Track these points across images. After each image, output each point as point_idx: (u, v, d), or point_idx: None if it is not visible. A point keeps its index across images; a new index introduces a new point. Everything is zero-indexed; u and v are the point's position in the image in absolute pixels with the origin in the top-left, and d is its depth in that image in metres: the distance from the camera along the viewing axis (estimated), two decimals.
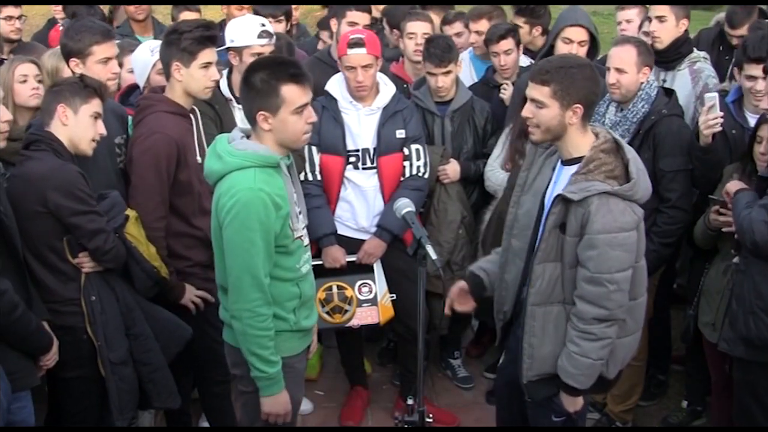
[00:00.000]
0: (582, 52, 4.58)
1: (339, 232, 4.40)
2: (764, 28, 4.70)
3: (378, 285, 4.41)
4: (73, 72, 3.94)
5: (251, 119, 3.11)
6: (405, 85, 4.92)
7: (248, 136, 3.16)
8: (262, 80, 3.04)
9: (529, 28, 5.31)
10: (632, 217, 3.01)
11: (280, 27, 5.44)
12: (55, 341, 3.38)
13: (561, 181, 3.14)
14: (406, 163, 4.38)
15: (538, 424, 3.34)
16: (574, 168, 3.08)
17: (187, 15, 5.61)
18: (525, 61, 5.10)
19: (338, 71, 4.39)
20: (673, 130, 4.15)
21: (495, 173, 4.57)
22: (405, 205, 3.32)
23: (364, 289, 4.39)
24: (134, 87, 4.41)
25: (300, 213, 3.24)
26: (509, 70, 4.93)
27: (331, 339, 4.98)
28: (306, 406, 4.61)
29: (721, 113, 3.99)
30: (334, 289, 4.35)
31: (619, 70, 4.14)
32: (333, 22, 5.26)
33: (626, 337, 3.16)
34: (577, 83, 3.03)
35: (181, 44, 3.72)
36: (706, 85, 4.64)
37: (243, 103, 3.15)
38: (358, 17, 5.00)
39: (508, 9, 5.59)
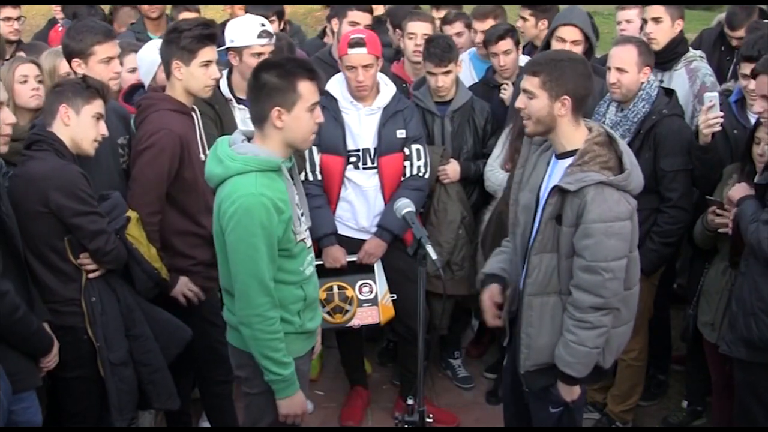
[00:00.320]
0: (576, 51, 4.57)
1: (339, 232, 4.40)
2: (762, 28, 4.71)
3: (378, 285, 4.41)
4: (75, 72, 3.94)
5: (262, 118, 3.06)
6: (404, 85, 4.92)
7: (249, 139, 3.14)
8: (279, 75, 3.01)
9: (535, 21, 5.31)
10: (627, 207, 3.07)
11: (273, 27, 5.43)
12: (56, 343, 3.38)
13: (556, 174, 3.19)
14: (407, 163, 4.38)
15: (537, 416, 3.38)
16: (568, 161, 3.14)
17: (186, 15, 5.60)
18: (525, 60, 5.10)
19: (339, 71, 4.39)
20: (673, 129, 4.15)
21: (495, 173, 4.58)
22: (405, 205, 3.32)
23: (365, 289, 4.39)
24: (136, 87, 4.41)
25: (302, 215, 3.23)
26: (509, 70, 4.93)
27: (331, 339, 4.97)
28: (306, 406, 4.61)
29: (721, 113, 4.00)
30: (335, 289, 4.35)
31: (619, 70, 4.15)
32: (334, 22, 5.26)
33: (621, 326, 3.22)
34: (566, 75, 3.10)
35: (181, 42, 3.72)
36: (703, 84, 4.66)
37: (254, 102, 3.10)
38: (360, 17, 5.00)
39: (508, 7, 5.59)
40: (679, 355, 5.01)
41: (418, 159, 4.38)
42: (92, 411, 3.67)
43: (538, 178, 3.28)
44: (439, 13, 5.76)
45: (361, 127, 4.33)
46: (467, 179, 4.71)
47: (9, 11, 5.78)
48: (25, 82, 4.04)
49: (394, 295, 4.43)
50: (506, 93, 4.88)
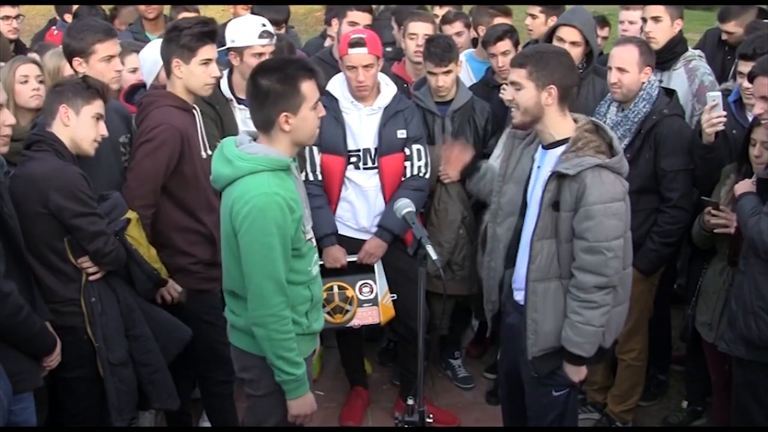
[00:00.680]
0: (575, 52, 4.57)
1: (340, 232, 4.39)
2: (761, 28, 4.72)
3: (379, 285, 4.41)
4: (76, 72, 3.94)
5: (269, 123, 3.04)
6: (405, 85, 4.91)
7: (254, 139, 3.13)
8: (281, 80, 3.00)
9: (545, 18, 5.29)
10: (622, 188, 3.24)
11: (281, 31, 5.44)
12: (58, 342, 3.38)
13: (546, 163, 3.31)
14: (407, 164, 4.38)
15: (537, 403, 3.47)
16: (558, 150, 3.27)
17: (186, 15, 5.60)
18: None
19: (340, 71, 4.38)
20: (674, 129, 4.16)
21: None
22: (405, 205, 3.32)
23: (365, 289, 4.39)
24: (137, 87, 4.40)
25: (308, 214, 3.24)
26: (507, 71, 4.91)
27: (331, 339, 4.97)
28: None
29: (724, 112, 4.01)
30: (335, 289, 4.35)
31: (620, 70, 4.15)
32: (334, 22, 5.25)
33: (618, 306, 3.35)
34: (550, 66, 3.24)
35: (181, 40, 3.71)
36: (701, 83, 4.66)
37: (257, 109, 3.06)
38: (359, 17, 5.00)
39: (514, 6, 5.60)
40: (679, 355, 5.01)
41: (419, 159, 4.38)
42: (92, 411, 3.67)
43: (524, 171, 3.42)
44: (442, 10, 5.75)
45: (362, 127, 4.33)
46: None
47: (8, 10, 5.78)
48: (26, 82, 4.03)
49: (395, 295, 4.43)
50: (506, 93, 4.87)
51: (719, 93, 4.13)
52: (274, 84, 3.00)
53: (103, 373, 3.54)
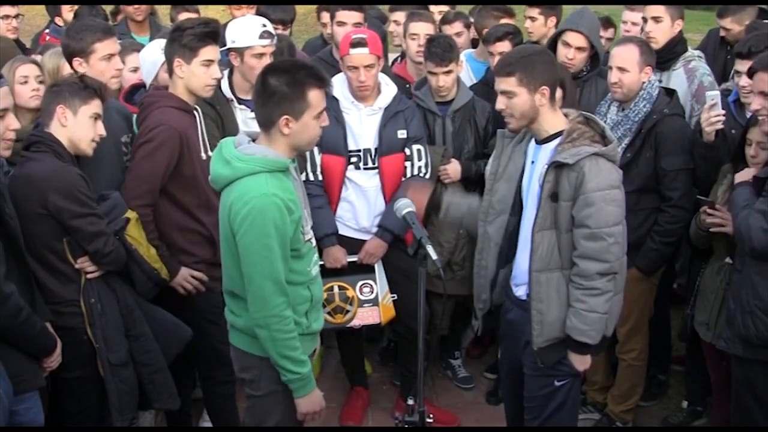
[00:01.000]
0: (580, 57, 4.58)
1: (340, 232, 4.39)
2: (761, 27, 4.72)
3: (379, 285, 4.41)
4: (75, 72, 3.93)
5: (270, 123, 3.04)
6: (407, 86, 4.91)
7: (254, 140, 3.13)
8: (289, 84, 2.99)
9: (544, 19, 5.28)
10: (617, 175, 3.31)
11: (286, 32, 5.44)
12: (59, 343, 3.37)
13: (541, 158, 3.37)
14: (408, 164, 4.37)
15: (538, 394, 3.50)
16: (552, 144, 3.34)
17: (186, 16, 5.60)
18: None
19: (340, 71, 4.38)
20: (674, 129, 4.17)
21: None
22: (406, 206, 3.31)
23: (366, 290, 4.39)
24: (137, 87, 4.40)
25: (308, 215, 3.23)
26: None
27: (331, 339, 4.97)
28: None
29: (723, 111, 4.01)
30: (336, 290, 4.34)
31: (621, 69, 4.16)
32: (324, 15, 5.23)
33: (617, 294, 3.39)
34: (538, 68, 3.29)
35: (183, 40, 3.72)
36: (701, 83, 4.67)
37: (261, 107, 3.06)
38: (347, 16, 4.99)
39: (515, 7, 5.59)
40: (679, 355, 5.01)
41: (419, 159, 4.38)
42: (93, 411, 3.67)
43: (516, 168, 3.48)
44: (442, 8, 5.75)
45: (362, 127, 4.33)
46: (468, 179, 4.69)
47: (7, 9, 5.77)
48: (26, 82, 4.02)
49: (395, 295, 4.43)
50: (498, 103, 4.85)
51: (718, 92, 4.14)
52: (281, 85, 2.99)
53: (103, 373, 3.54)
